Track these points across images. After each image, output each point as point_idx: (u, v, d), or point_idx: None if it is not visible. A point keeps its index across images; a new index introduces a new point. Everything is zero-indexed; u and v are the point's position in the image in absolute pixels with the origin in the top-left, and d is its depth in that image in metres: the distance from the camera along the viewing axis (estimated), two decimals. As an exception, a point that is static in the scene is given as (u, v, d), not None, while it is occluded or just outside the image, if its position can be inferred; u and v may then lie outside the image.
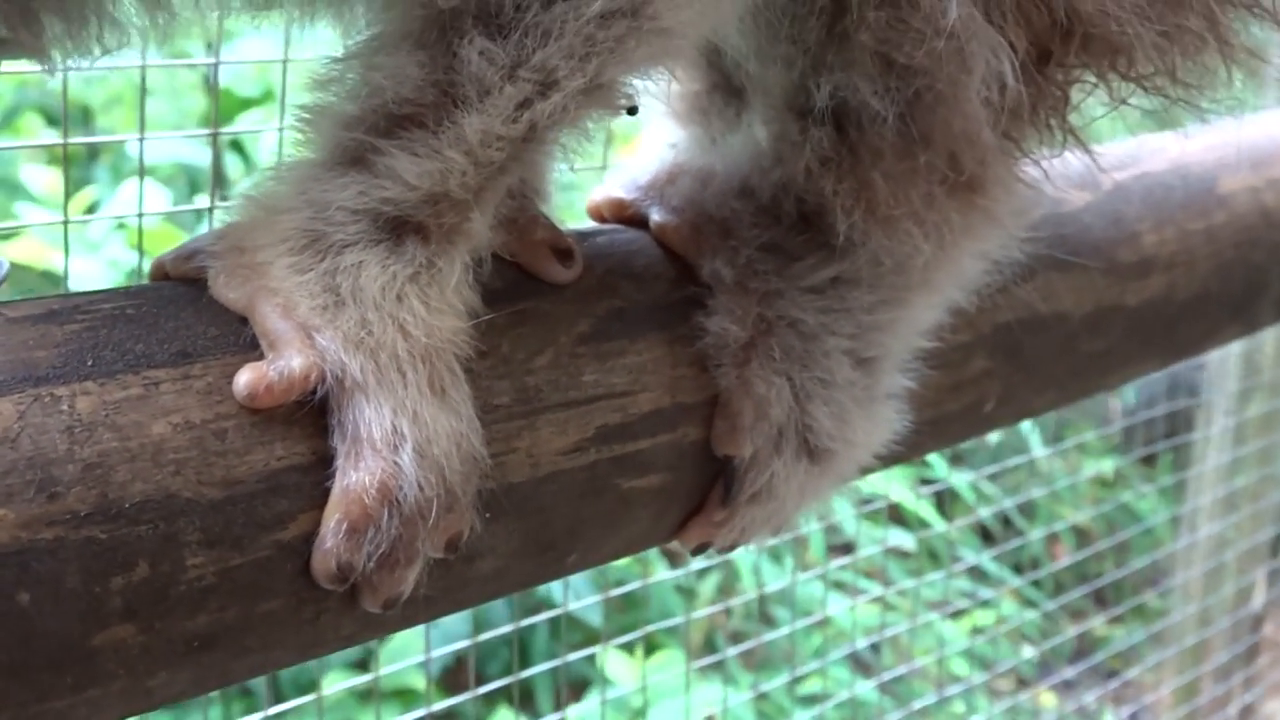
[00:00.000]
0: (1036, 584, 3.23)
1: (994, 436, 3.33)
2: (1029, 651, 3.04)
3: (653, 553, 2.52)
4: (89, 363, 0.59)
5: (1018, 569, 3.14)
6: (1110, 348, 1.00)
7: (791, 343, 0.76)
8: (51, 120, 2.78)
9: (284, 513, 0.62)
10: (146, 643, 0.59)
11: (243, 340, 0.63)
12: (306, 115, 0.64)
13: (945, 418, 0.91)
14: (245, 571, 0.61)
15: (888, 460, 0.89)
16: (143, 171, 1.10)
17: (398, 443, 0.61)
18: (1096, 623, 3.11)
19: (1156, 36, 0.70)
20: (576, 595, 2.34)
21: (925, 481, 3.06)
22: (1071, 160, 0.97)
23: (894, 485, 2.73)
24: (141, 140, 1.04)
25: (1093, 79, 0.75)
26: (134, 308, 0.63)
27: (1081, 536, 3.29)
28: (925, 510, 2.96)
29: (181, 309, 0.63)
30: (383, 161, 0.62)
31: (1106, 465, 3.53)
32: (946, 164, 0.71)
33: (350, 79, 0.64)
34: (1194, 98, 0.77)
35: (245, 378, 0.61)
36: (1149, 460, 3.45)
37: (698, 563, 2.76)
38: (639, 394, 0.74)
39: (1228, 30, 0.73)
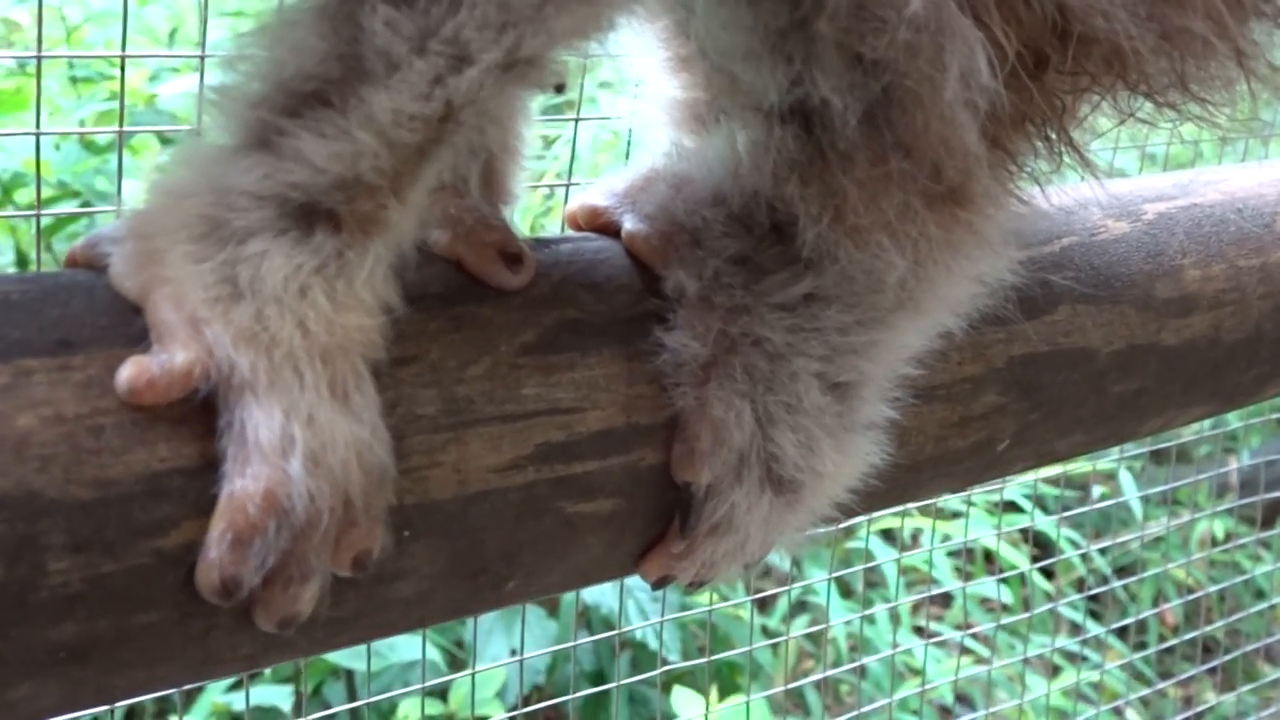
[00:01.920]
0: (1141, 644, 3.11)
1: (1098, 490, 3.23)
2: (1132, 717, 2.92)
3: (740, 594, 2.47)
4: (-46, 348, 0.55)
5: (1121, 630, 3.03)
6: (1144, 389, 0.92)
7: (756, 363, 0.70)
8: (165, 140, 2.80)
9: (165, 519, 0.57)
10: (2, 651, 0.55)
11: (134, 332, 0.59)
12: (215, 97, 0.60)
13: (951, 455, 0.84)
14: (118, 580, 0.56)
15: (881, 499, 0.83)
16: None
17: (287, 448, 0.57)
18: (1197, 670, 2.97)
19: (1156, 39, 0.63)
20: (657, 633, 2.30)
21: (1039, 547, 2.97)
22: (1112, 187, 0.90)
23: (986, 532, 2.65)
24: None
25: (1099, 91, 0.68)
26: (20, 293, 0.59)
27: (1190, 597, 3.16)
28: (1024, 563, 2.86)
29: (74, 296, 0.59)
30: (288, 143, 0.58)
31: (1218, 526, 3.39)
32: (926, 172, 0.65)
33: (258, 55, 0.59)
34: (1211, 114, 0.70)
35: (127, 371, 0.56)
36: (1266, 521, 3.32)
37: (783, 605, 2.71)
38: (587, 411, 0.69)
39: (1240, 37, 0.66)
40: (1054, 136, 0.69)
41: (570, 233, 0.78)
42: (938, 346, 0.79)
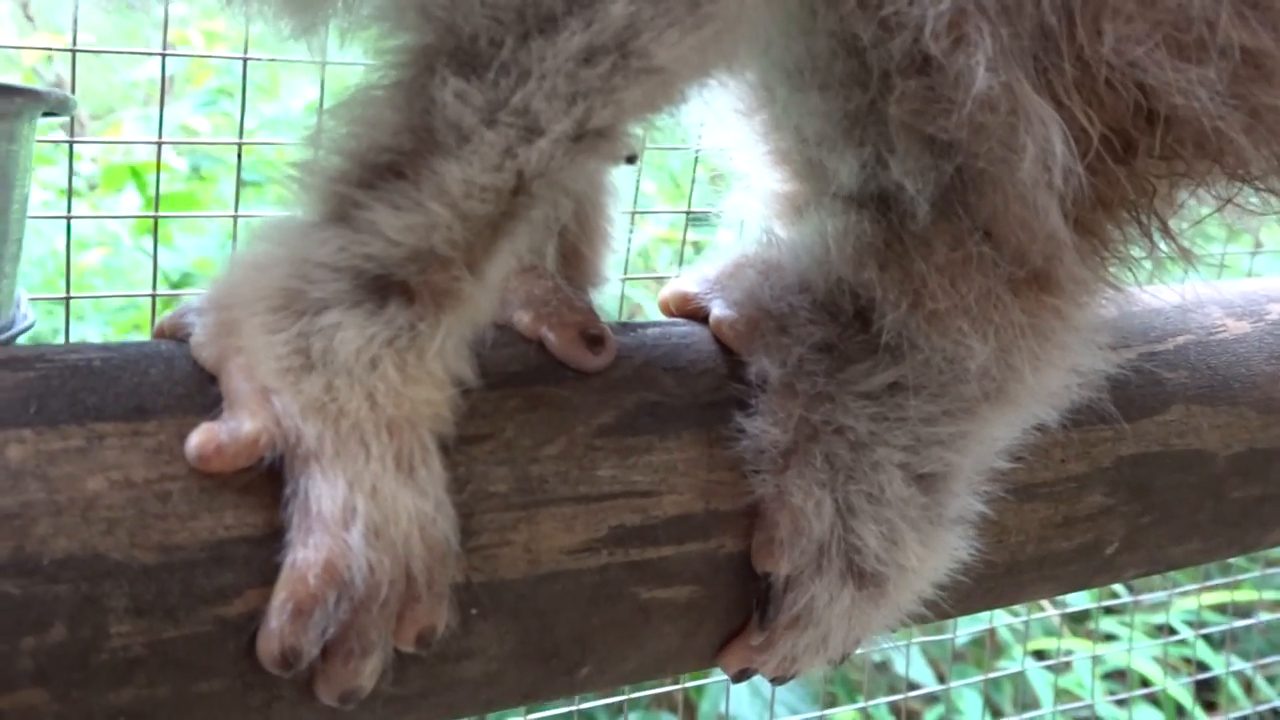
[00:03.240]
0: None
1: (1265, 617, 3.09)
2: None
3: (884, 710, 2.42)
4: (32, 410, 0.57)
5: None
6: (1267, 496, 0.89)
7: (837, 451, 0.68)
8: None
9: (228, 586, 0.57)
10: (62, 712, 0.55)
11: (208, 400, 0.60)
12: (295, 172, 0.61)
13: (1055, 557, 0.81)
14: (180, 646, 0.57)
15: (981, 600, 0.80)
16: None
17: (348, 519, 0.57)
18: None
19: (1245, 119, 0.61)
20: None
21: (1189, 662, 2.86)
22: (1236, 286, 0.88)
23: (1148, 663, 2.56)
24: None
25: (1195, 177, 0.66)
26: (102, 361, 0.60)
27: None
28: (1183, 693, 2.75)
29: (154, 365, 0.61)
30: (363, 215, 0.58)
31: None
32: (1009, 257, 0.64)
33: (338, 130, 0.60)
34: (1316, 201, 0.67)
35: (196, 438, 0.57)
36: None
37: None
38: (664, 495, 0.68)
39: None
40: (1145, 222, 0.67)
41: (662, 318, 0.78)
42: (1039, 442, 0.77)
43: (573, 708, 1.59)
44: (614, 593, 0.67)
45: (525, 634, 0.65)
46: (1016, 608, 2.47)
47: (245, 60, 0.99)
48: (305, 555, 0.57)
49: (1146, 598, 2.59)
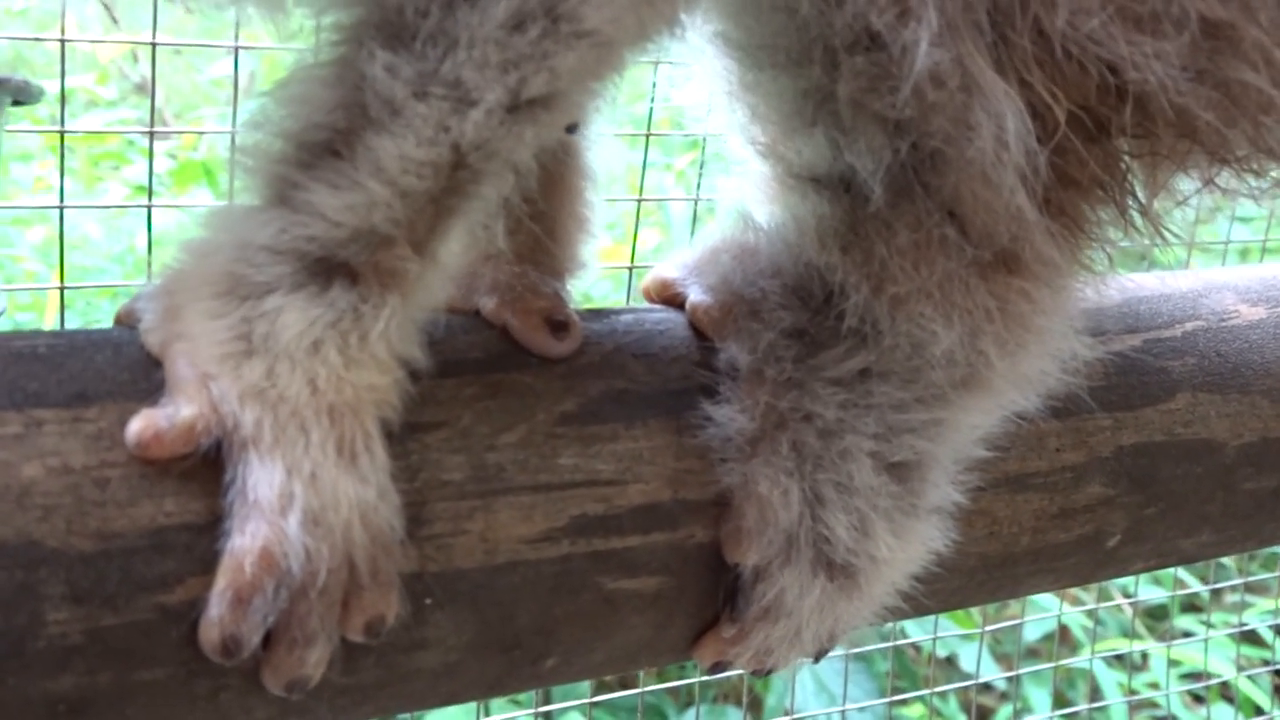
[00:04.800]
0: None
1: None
2: None
3: (954, 707, 2.39)
4: (-31, 397, 0.57)
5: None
6: (1282, 488, 0.85)
7: (805, 439, 0.67)
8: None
9: (169, 574, 0.57)
10: (1, 698, 0.55)
11: (151, 387, 0.59)
12: (240, 157, 0.60)
13: (1052, 549, 0.79)
14: (120, 634, 0.56)
15: (976, 593, 0.78)
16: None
17: (285, 506, 0.56)
18: None
19: (1211, 93, 0.59)
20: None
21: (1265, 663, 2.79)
22: (1253, 271, 0.85)
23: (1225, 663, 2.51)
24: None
25: (1174, 158, 0.64)
26: (48, 348, 0.60)
27: None
28: (1263, 697, 2.69)
29: (100, 351, 0.60)
30: (302, 196, 0.57)
31: None
32: (975, 239, 0.62)
33: (279, 111, 0.59)
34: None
35: (136, 424, 0.57)
36: None
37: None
38: (629, 484, 0.66)
39: None
40: (1120, 202, 0.64)
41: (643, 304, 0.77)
42: (1030, 431, 0.75)
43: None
44: (577, 583, 0.66)
45: (484, 624, 0.64)
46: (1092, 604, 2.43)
47: (236, 49, 0.99)
48: (242, 543, 0.56)
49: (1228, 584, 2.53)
